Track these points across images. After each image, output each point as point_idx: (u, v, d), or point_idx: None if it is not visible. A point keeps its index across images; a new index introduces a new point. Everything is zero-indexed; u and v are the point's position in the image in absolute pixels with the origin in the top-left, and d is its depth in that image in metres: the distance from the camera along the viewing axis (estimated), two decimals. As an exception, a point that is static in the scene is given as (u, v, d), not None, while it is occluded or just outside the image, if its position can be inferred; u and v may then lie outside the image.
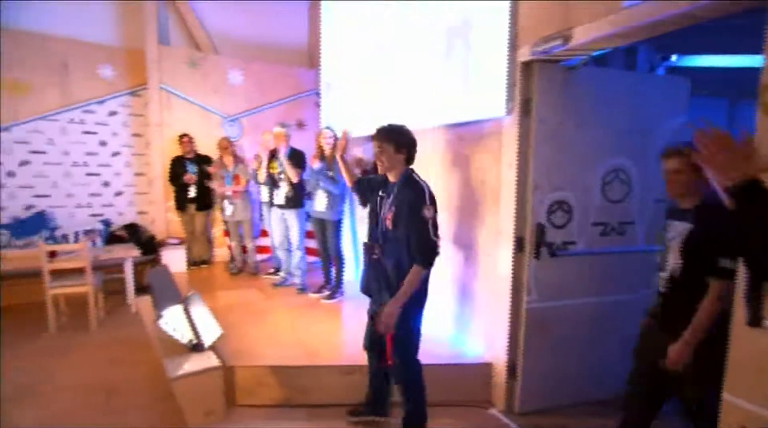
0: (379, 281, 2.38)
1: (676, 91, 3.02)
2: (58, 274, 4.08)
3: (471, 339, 3.29)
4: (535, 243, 2.76)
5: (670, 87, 3.03)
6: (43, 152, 5.10)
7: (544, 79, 2.63)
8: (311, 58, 6.46)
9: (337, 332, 3.70)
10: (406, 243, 2.24)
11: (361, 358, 2.70)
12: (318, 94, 6.14)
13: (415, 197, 2.23)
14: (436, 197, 2.31)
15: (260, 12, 6.19)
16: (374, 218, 2.44)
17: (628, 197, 2.96)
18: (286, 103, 6.39)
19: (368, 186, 2.61)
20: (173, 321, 2.91)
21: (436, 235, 2.25)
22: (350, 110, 4.85)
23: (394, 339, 2.34)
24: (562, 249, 2.80)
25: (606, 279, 2.94)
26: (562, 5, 2.33)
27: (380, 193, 2.42)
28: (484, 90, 2.90)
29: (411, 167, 2.38)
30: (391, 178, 2.37)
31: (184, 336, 2.93)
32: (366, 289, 2.50)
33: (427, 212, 2.21)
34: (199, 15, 5.90)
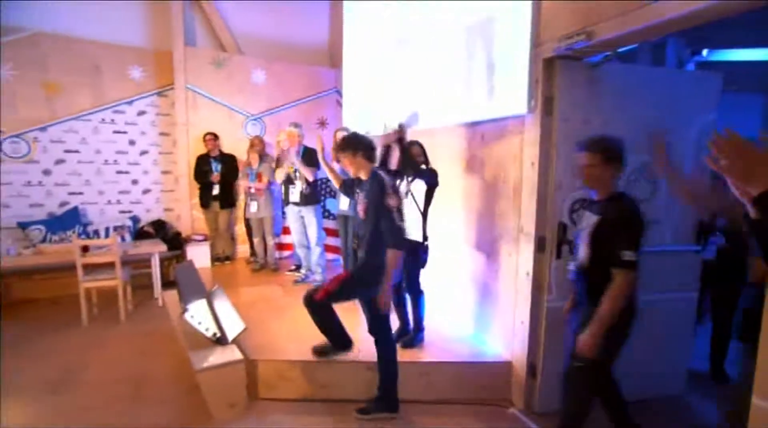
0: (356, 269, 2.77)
1: (707, 87, 2.93)
2: (90, 268, 4.24)
3: (491, 338, 3.28)
4: (557, 242, 2.73)
5: (701, 83, 2.93)
6: (77, 151, 5.29)
7: (566, 76, 2.59)
8: (332, 57, 6.50)
9: (358, 327, 3.73)
10: (375, 230, 2.58)
11: (381, 355, 2.73)
12: (339, 92, 6.18)
13: (380, 189, 2.58)
14: (398, 188, 2.72)
15: (283, 12, 6.27)
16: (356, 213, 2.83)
17: (654, 196, 2.89)
18: (308, 102, 6.45)
19: (351, 186, 3.12)
20: (198, 315, 2.99)
21: (402, 220, 2.64)
22: (372, 108, 4.87)
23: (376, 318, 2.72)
24: (585, 249, 2.76)
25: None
26: (584, 1, 2.29)
27: (357, 190, 2.86)
28: (506, 88, 2.88)
29: (375, 165, 2.81)
30: (363, 177, 2.77)
31: (208, 329, 3.01)
32: None
33: (391, 201, 2.57)
34: (223, 16, 6.01)
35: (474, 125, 3.37)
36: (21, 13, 4.84)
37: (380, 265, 2.58)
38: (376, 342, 2.77)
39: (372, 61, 4.91)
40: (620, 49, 2.40)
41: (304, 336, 3.42)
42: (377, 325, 2.75)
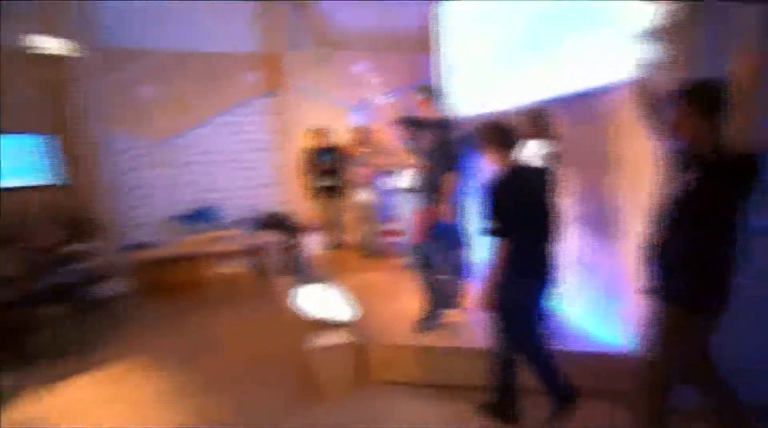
0: None
1: None
2: (218, 257, 4.71)
3: (620, 327, 2.95)
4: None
5: None
6: (206, 153, 5.92)
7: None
8: (433, 44, 6.36)
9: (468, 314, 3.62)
10: None
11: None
12: (440, 79, 6.03)
13: None
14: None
15: (383, 2, 6.28)
16: None
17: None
18: (410, 90, 6.40)
19: None
20: (311, 299, 3.15)
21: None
22: (474, 92, 4.68)
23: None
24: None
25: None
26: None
27: None
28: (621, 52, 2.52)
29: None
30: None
31: (320, 313, 3.14)
32: None
33: None
34: (325, 12, 6.21)
35: (580, 97, 3.03)
36: (149, 36, 5.54)
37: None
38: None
39: (474, 45, 4.70)
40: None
41: (412, 320, 3.42)
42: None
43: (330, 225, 6.17)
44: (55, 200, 5.02)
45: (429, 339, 3.10)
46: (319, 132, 5.90)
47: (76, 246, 4.31)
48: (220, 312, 4.63)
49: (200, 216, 5.81)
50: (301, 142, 6.12)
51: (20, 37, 5.09)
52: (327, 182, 5.91)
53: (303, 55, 6.05)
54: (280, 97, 6.11)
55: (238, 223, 5.91)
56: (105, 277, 4.37)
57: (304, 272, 3.63)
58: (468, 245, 3.36)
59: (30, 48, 5.05)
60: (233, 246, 4.68)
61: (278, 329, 4.05)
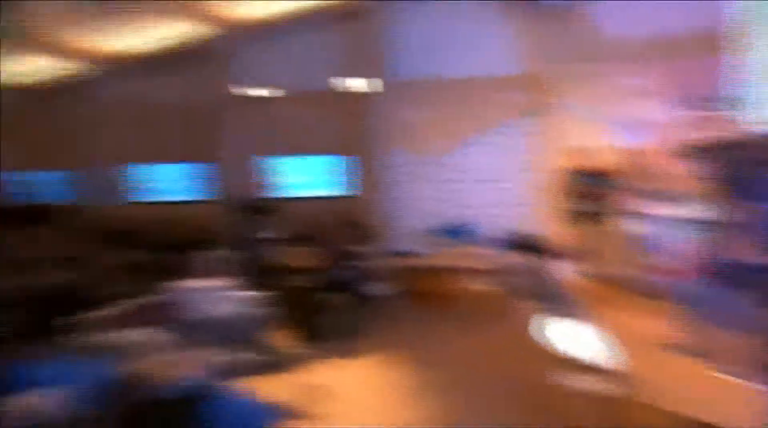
0: None
1: None
2: (469, 272, 4.88)
3: None
4: None
5: None
6: (467, 171, 6.27)
7: None
8: (729, 47, 5.09)
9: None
10: None
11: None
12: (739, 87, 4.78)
13: None
14: None
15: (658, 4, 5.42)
16: None
17: None
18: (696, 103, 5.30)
19: None
20: (563, 333, 2.91)
21: None
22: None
23: None
24: None
25: None
26: None
27: None
28: None
29: None
30: None
31: (575, 350, 2.87)
32: None
33: None
34: (591, 21, 5.75)
35: None
36: (414, 64, 6.17)
37: None
38: None
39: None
40: None
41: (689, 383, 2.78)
42: None
43: (587, 253, 5.63)
44: (345, 209, 6.18)
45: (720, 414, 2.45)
46: (582, 153, 5.49)
47: (358, 248, 5.17)
48: (465, 325, 4.77)
49: (456, 231, 6.16)
50: (563, 163, 5.81)
51: (329, 78, 6.54)
52: (588, 207, 5.44)
53: (568, 70, 5.74)
54: (543, 116, 5.96)
55: (490, 241, 6.00)
56: (375, 277, 5.09)
57: (554, 301, 3.39)
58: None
59: (337, 88, 6.44)
60: (484, 264, 4.77)
61: (520, 354, 3.90)
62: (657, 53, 5.49)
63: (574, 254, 5.62)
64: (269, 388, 3.02)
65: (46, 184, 8.22)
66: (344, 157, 6.77)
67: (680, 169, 3.83)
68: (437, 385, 3.48)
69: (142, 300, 3.54)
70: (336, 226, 5.65)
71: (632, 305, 4.55)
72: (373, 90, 6.32)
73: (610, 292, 5.16)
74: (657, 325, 3.92)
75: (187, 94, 7.24)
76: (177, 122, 7.33)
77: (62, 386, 2.28)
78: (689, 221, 3.90)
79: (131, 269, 4.85)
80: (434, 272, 5.74)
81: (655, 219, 4.75)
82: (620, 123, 5.62)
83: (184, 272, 3.98)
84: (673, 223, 4.33)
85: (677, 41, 5.45)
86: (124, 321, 3.16)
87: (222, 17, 6.47)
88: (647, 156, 4.91)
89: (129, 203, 7.65)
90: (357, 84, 6.52)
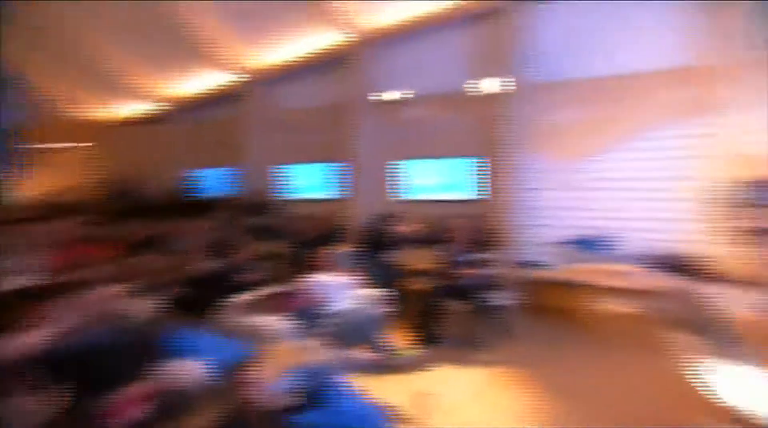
0: None
1: None
2: (607, 291, 4.38)
3: None
4: None
5: None
6: (612, 178, 5.64)
7: None
8: None
9: None
10: None
11: None
12: None
13: None
14: None
15: None
16: None
17: None
18: None
19: None
20: (725, 376, 2.44)
21: None
22: None
23: None
24: None
25: None
26: None
27: None
28: None
29: None
30: None
31: (736, 399, 2.39)
32: None
33: None
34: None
35: None
36: (568, 66, 5.74)
37: None
38: None
39: None
40: None
41: None
42: None
43: (757, 280, 4.65)
44: (474, 212, 6.01)
45: None
46: (754, 160, 4.55)
47: (483, 255, 4.99)
48: (599, 351, 4.31)
49: (593, 244, 5.59)
50: (731, 171, 4.88)
51: (463, 80, 6.45)
52: (758, 224, 4.49)
53: (752, 64, 4.78)
54: (712, 117, 5.06)
55: (633, 258, 5.32)
56: (500, 286, 4.86)
57: (713, 336, 2.85)
58: None
59: (472, 90, 6.32)
60: (626, 283, 4.23)
61: (665, 395, 3.38)
62: None
63: (740, 281, 4.68)
64: (381, 388, 3.09)
65: (211, 179, 9.68)
66: (477, 160, 6.61)
67: None
68: (557, 414, 3.18)
69: (276, 289, 3.89)
70: (464, 230, 5.53)
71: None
72: (508, 91, 6.06)
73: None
74: None
75: (327, 99, 7.84)
76: (318, 125, 7.99)
77: (207, 357, 2.62)
78: None
79: (272, 258, 5.36)
80: (565, 286, 5.29)
81: None
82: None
83: (316, 266, 4.28)
84: None
85: None
86: (260, 307, 3.51)
87: (358, 24, 6.85)
88: None
89: (277, 198, 8.52)
90: (492, 85, 6.32)
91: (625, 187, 5.56)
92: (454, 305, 4.52)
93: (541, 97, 5.96)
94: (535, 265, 5.49)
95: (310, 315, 3.67)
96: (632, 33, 5.46)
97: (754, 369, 2.45)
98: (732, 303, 4.53)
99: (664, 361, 4.03)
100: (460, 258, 4.92)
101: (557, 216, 5.91)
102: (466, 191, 6.77)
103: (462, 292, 4.54)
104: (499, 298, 4.65)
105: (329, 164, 8.07)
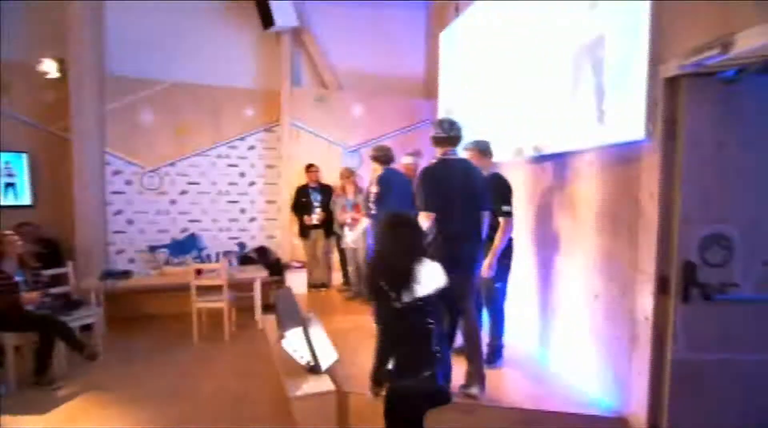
0: None
1: None
2: (202, 290, 4.59)
3: (603, 388, 2.91)
4: (684, 284, 2.38)
5: None
6: (197, 183, 5.88)
7: (695, 95, 2.29)
8: (428, 89, 6.57)
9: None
10: None
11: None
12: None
13: None
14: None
15: (381, 48, 6.51)
16: None
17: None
18: (404, 133, 6.55)
19: None
20: (294, 342, 3.05)
21: None
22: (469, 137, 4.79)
23: None
24: (721, 293, 2.36)
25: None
26: (717, 6, 2.02)
27: None
28: (616, 113, 2.64)
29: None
30: None
31: (303, 357, 3.04)
32: None
33: None
34: (325, 55, 6.38)
35: (579, 154, 3.13)
36: (157, 68, 5.64)
37: None
38: None
39: (469, 91, 4.86)
40: None
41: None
42: None
43: (316, 264, 6.10)
44: (31, 220, 4.80)
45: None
46: (312, 169, 5.95)
47: (49, 270, 4.19)
48: (200, 348, 4.48)
49: (184, 246, 5.70)
50: (293, 178, 6.14)
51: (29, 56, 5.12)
52: (315, 220, 5.90)
53: (302, 93, 6.17)
54: (275, 133, 6.17)
55: (223, 256, 5.80)
56: (79, 304, 4.21)
57: (289, 312, 3.53)
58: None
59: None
60: (217, 280, 4.56)
61: (259, 368, 3.91)
62: (376, 88, 6.47)
63: (304, 266, 5.98)
64: None
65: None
66: (28, 156, 5.32)
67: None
68: (164, 424, 3.09)
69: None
70: (16, 244, 4.38)
71: (353, 308, 5.13)
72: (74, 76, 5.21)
73: (334, 297, 5.67)
74: (365, 320, 4.55)
75: None
76: None
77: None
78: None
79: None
80: (160, 292, 5.16)
81: (355, 228, 5.49)
82: (342, 142, 6.34)
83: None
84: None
85: (392, 82, 6.56)
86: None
87: None
88: (351, 173, 5.67)
89: None
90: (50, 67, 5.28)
91: (209, 190, 5.94)
92: (18, 338, 3.59)
93: (128, 95, 5.53)
94: (121, 274, 5.04)
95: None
96: (212, 49, 5.90)
97: (316, 331, 3.19)
98: (298, 281, 5.70)
99: (255, 340, 4.63)
100: (18, 278, 3.90)
101: (145, 221, 5.65)
102: (15, 195, 5.28)
103: (27, 319, 3.65)
104: (79, 317, 4.04)
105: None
